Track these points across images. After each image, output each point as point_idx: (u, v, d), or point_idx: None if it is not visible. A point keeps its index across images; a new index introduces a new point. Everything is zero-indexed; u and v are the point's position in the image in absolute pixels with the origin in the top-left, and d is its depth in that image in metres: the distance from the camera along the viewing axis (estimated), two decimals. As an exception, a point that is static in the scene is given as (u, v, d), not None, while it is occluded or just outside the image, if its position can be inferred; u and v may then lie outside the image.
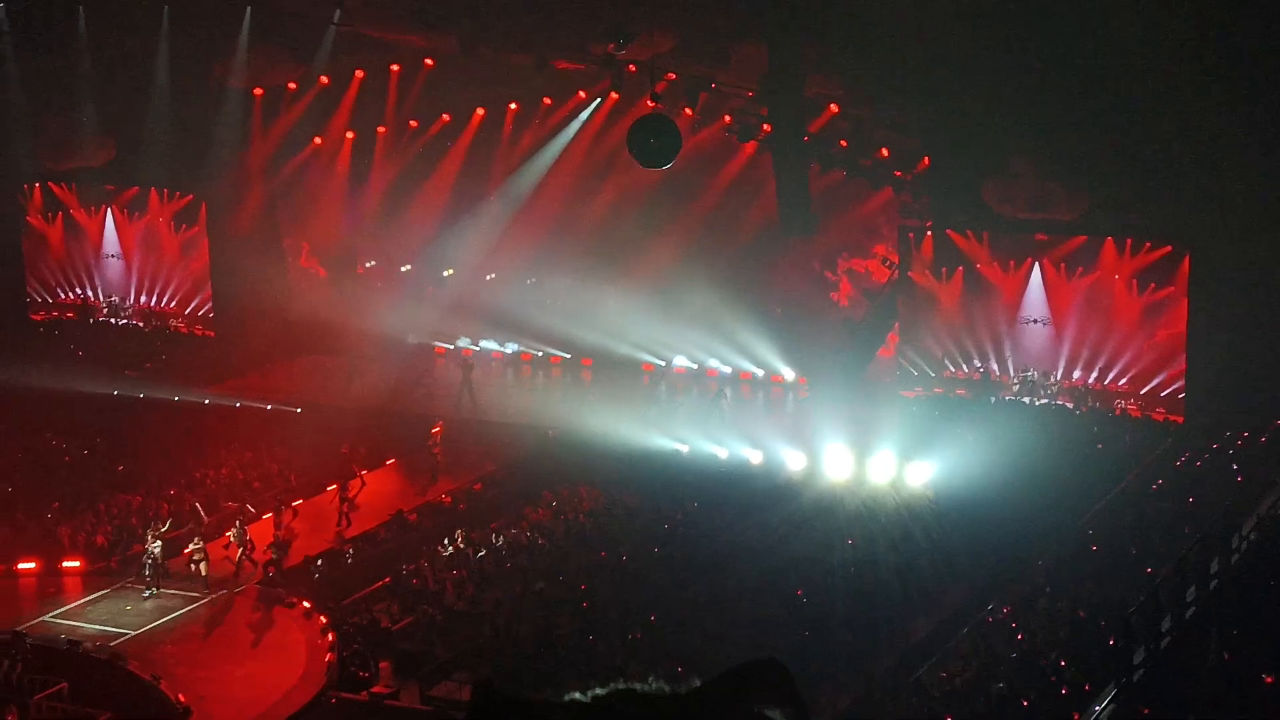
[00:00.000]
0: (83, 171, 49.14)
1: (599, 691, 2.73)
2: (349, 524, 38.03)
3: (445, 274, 49.05)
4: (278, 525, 36.71)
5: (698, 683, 2.75)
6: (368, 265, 50.08)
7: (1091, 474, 36.03)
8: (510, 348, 47.96)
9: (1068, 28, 36.47)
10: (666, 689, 2.73)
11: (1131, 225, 38.39)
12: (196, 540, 34.66)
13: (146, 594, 33.84)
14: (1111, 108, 36.46)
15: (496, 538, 36.55)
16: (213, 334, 49.44)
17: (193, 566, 34.23)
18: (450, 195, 48.29)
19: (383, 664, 30.97)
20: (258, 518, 37.43)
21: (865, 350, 43.09)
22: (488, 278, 48.97)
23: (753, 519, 35.91)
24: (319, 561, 35.93)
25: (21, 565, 34.93)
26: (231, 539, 35.29)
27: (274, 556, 35.01)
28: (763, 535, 35.04)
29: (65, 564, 35.43)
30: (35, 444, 43.44)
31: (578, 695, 2.71)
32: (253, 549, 35.07)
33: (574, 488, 39.51)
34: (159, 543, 34.03)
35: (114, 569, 35.35)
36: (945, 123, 39.58)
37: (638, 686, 2.74)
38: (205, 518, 36.09)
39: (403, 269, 49.17)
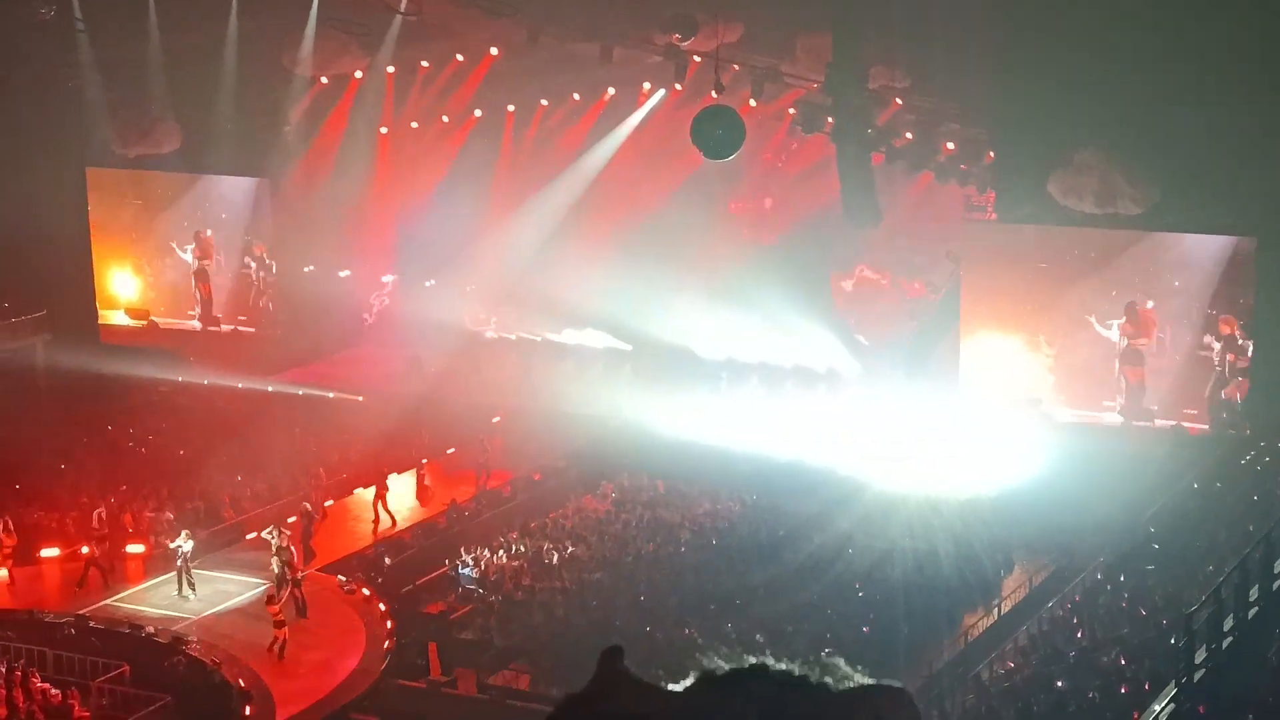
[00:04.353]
0: (151, 158, 49.49)
1: (725, 667, 2.63)
2: (429, 499, 38.34)
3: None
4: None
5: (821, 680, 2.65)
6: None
7: (1154, 471, 35.72)
8: (574, 339, 47.94)
9: (1136, 18, 36.16)
10: (796, 675, 2.64)
11: (1200, 219, 37.93)
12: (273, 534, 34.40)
13: (178, 592, 33.63)
14: (1181, 99, 36.09)
15: (555, 527, 36.62)
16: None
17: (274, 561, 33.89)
18: (512, 186, 48.32)
19: (440, 651, 31.08)
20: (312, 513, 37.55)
21: (927, 345, 42.83)
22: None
23: (811, 513, 35.79)
24: (381, 549, 36.18)
25: (86, 549, 35.18)
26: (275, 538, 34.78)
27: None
28: (822, 528, 34.92)
29: (129, 548, 35.69)
30: (101, 429, 43.85)
31: (710, 666, 2.62)
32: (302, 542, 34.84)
33: (633, 478, 39.53)
34: (190, 541, 33.79)
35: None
36: (1012, 115, 39.29)
37: (770, 664, 2.65)
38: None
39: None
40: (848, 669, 2.65)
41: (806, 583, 32.39)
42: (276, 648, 30.36)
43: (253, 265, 48.82)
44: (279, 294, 48.91)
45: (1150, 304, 38.84)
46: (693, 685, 2.62)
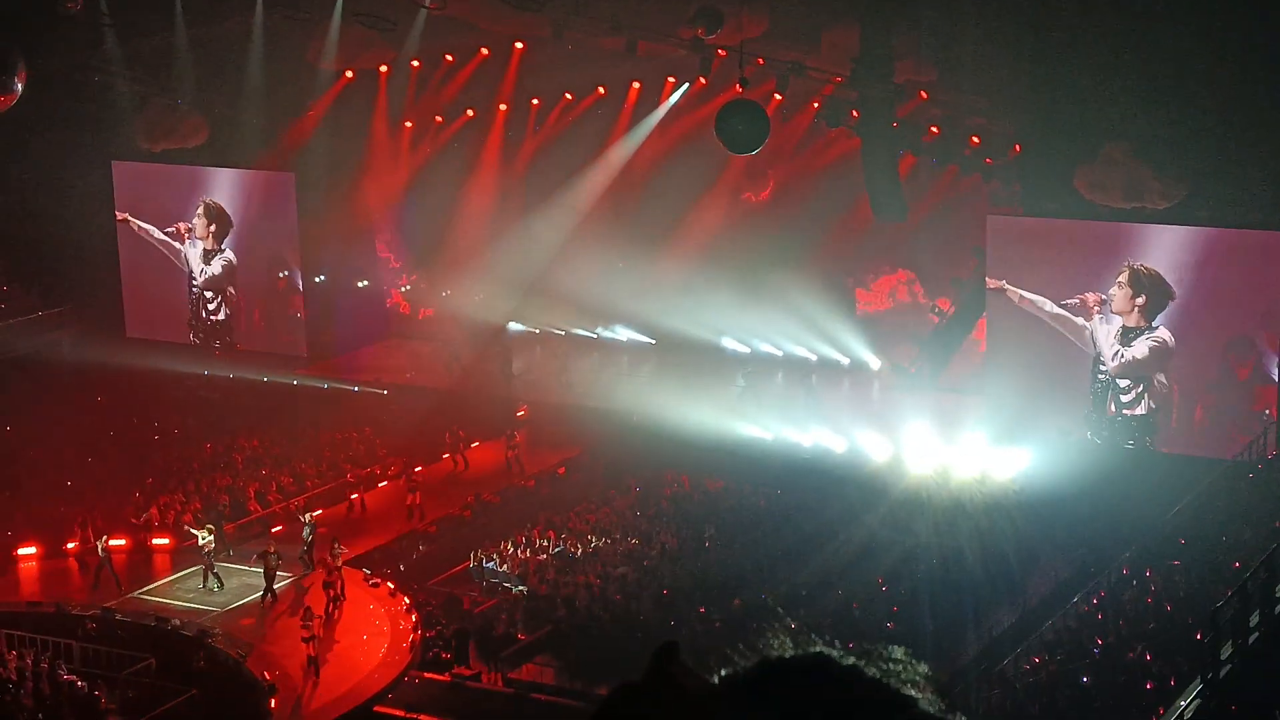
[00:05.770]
0: (177, 152, 49.57)
1: (783, 654, 2.55)
2: (454, 493, 38.45)
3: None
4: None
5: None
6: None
7: (1179, 468, 35.57)
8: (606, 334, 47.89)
9: (1163, 10, 35.99)
10: (860, 667, 2.56)
11: (1227, 214, 37.70)
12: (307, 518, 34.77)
13: (202, 585, 33.78)
14: (1208, 92, 35.92)
15: (579, 521, 36.62)
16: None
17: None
18: (536, 179, 48.27)
19: (464, 645, 31.11)
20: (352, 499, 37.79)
21: (952, 340, 42.70)
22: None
23: (837, 509, 35.72)
24: (405, 543, 36.30)
25: (113, 542, 35.29)
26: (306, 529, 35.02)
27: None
28: (847, 525, 34.86)
29: (155, 541, 35.82)
30: (127, 423, 43.99)
31: (770, 652, 2.53)
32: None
33: (658, 473, 39.49)
34: (210, 536, 33.88)
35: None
36: (1039, 108, 39.12)
37: (834, 654, 2.55)
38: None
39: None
40: (906, 658, 2.58)
41: (831, 578, 32.36)
42: (314, 663, 30.13)
43: (281, 259, 48.89)
44: (303, 288, 48.94)
45: (1171, 301, 38.65)
46: (752, 670, 2.55)
